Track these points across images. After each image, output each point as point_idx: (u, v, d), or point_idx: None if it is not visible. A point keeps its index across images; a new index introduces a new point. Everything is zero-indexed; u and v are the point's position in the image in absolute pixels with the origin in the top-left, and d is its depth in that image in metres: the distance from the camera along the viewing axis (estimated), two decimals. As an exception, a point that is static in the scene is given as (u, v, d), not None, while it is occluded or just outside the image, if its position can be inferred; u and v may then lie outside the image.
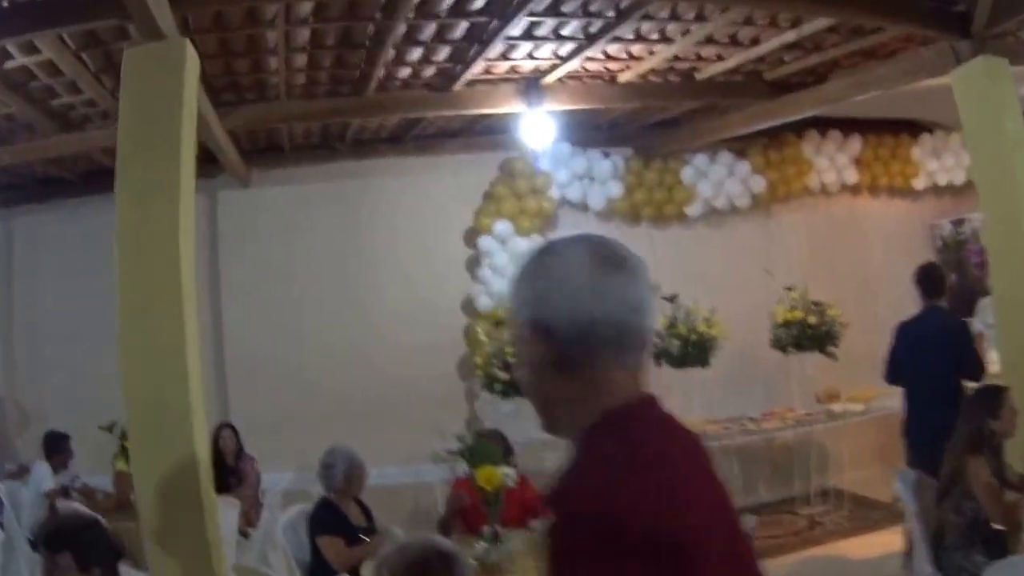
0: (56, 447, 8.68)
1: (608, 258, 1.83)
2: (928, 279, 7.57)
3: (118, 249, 5.02)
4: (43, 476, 8.45)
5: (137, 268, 5.02)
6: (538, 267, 1.84)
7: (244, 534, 8.33)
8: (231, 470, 8.94)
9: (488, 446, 5.56)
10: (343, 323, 10.12)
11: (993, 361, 7.82)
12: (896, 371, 7.61)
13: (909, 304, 7.54)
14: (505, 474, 5.50)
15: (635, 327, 1.79)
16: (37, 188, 10.49)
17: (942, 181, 11.96)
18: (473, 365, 9.89)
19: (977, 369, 7.23)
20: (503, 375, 9.16)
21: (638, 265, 1.85)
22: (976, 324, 10.06)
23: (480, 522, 5.78)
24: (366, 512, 6.50)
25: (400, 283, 10.21)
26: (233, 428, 9.19)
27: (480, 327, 10.02)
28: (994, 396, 5.83)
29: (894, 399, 7.87)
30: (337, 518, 6.24)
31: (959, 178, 11.91)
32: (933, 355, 7.28)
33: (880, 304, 10.29)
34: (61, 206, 10.29)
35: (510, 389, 9.14)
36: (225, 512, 7.52)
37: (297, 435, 6.37)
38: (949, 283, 7.87)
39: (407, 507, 8.64)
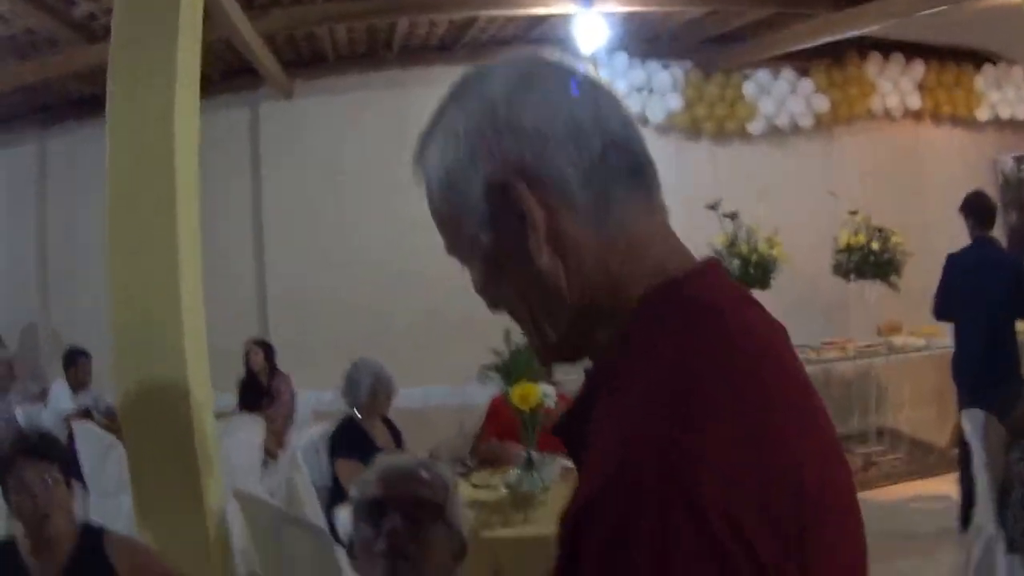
0: (72, 362, 8.24)
1: (570, 72, 1.24)
2: (976, 208, 7.04)
3: (110, 145, 4.35)
4: (61, 397, 8.04)
5: (127, 163, 4.34)
6: (494, 101, 1.21)
7: (274, 455, 7.87)
8: (263, 389, 8.48)
9: (526, 360, 4.95)
10: (389, 240, 9.59)
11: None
12: (945, 306, 7.14)
13: (967, 238, 7.05)
14: (544, 393, 4.89)
15: (645, 153, 1.24)
16: (71, 108, 9.98)
17: (1005, 114, 11.29)
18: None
19: None
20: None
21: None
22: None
23: (518, 441, 5.22)
24: (395, 433, 5.95)
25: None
26: (265, 345, 8.73)
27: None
28: None
29: (951, 339, 7.38)
30: (359, 438, 5.69)
31: (1022, 112, 11.31)
32: (982, 291, 6.76)
33: (941, 238, 9.44)
34: (96, 125, 9.77)
35: None
36: (247, 432, 7.12)
37: (339, 355, 5.94)
38: (1010, 222, 7.31)
39: (451, 431, 8.16)
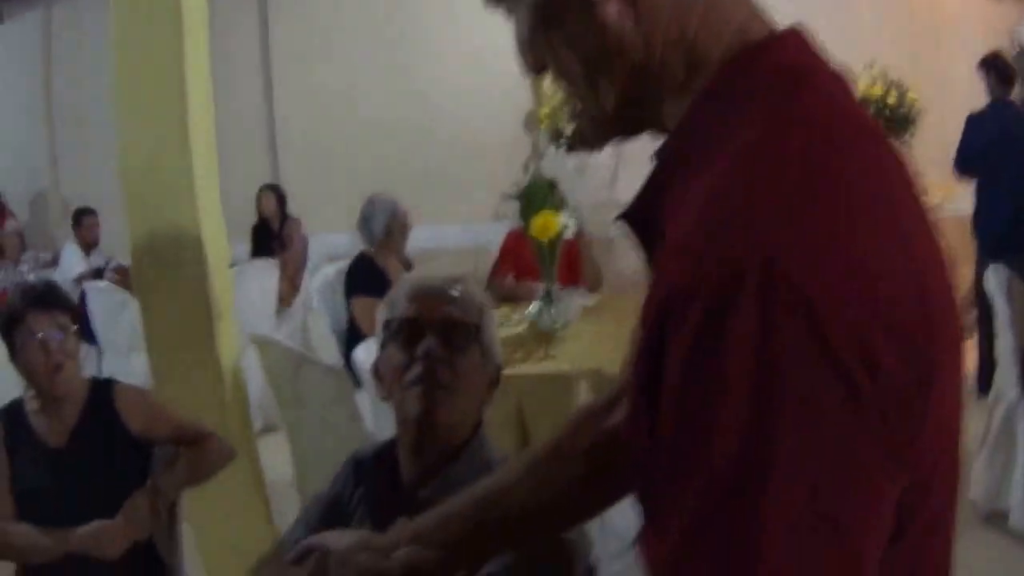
0: (79, 222, 8.03)
1: None
2: (998, 68, 6.81)
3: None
4: (72, 259, 7.89)
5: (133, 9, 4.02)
6: None
7: (288, 301, 7.69)
8: (275, 235, 8.27)
9: (544, 189, 4.68)
10: (402, 80, 9.31)
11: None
12: (966, 164, 6.87)
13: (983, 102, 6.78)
14: (564, 224, 4.63)
15: None
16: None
17: None
18: (538, 118, 9.05)
19: None
20: (569, 127, 8.35)
21: None
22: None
23: (535, 278, 4.99)
24: (409, 269, 5.73)
25: (464, 34, 9.21)
26: (277, 190, 8.50)
27: (547, 77, 9.05)
28: None
29: (966, 201, 7.06)
30: (375, 276, 5.43)
31: None
32: (1007, 154, 6.53)
33: (955, 99, 8.87)
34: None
35: (576, 142, 8.27)
36: (260, 278, 6.98)
37: (352, 198, 5.73)
38: (1021, 95, 6.99)
39: (466, 270, 7.99)
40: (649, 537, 0.86)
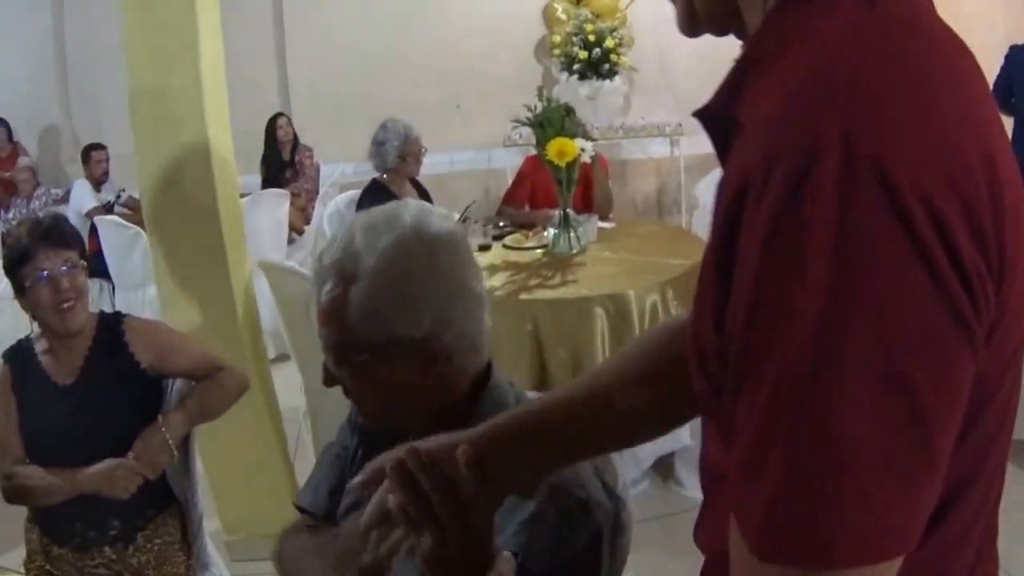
0: (88, 157, 7.86)
1: None
2: None
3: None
4: (82, 195, 7.68)
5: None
6: None
7: (300, 230, 7.58)
8: (286, 164, 8.13)
9: (560, 113, 4.53)
10: (413, 12, 9.05)
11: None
12: (1006, 98, 6.47)
13: (1002, 46, 6.49)
14: (581, 148, 4.49)
15: None
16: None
17: None
18: (550, 46, 8.87)
19: None
20: (583, 53, 8.22)
21: None
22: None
23: (551, 205, 4.85)
24: (424, 196, 5.59)
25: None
26: (287, 118, 8.33)
27: (560, 3, 8.93)
28: None
29: None
30: (388, 201, 5.31)
31: None
32: None
33: (976, 37, 9.05)
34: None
35: (589, 69, 8.25)
36: (271, 206, 6.86)
37: (363, 125, 5.58)
38: None
39: (477, 195, 7.86)
40: (716, 450, 0.88)
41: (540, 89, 4.48)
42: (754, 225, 0.79)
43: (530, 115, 4.60)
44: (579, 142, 4.46)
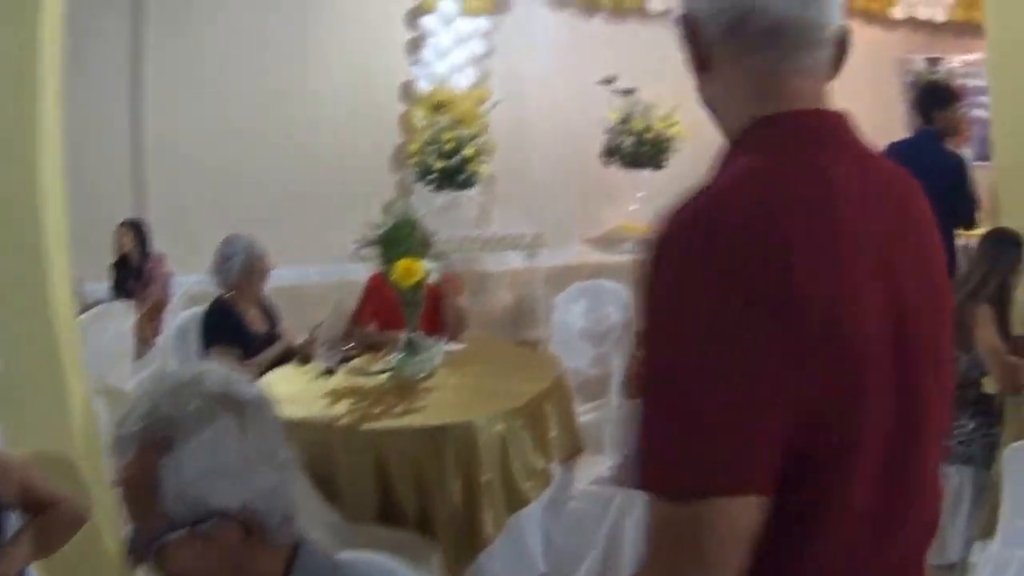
0: None
1: None
2: (929, 95, 6.38)
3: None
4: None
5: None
6: None
7: (148, 342, 7.22)
8: (135, 271, 7.79)
9: (407, 232, 4.35)
10: (275, 110, 8.84)
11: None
12: None
13: (871, 134, 6.40)
14: (427, 268, 4.31)
15: (801, 18, 1.39)
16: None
17: (922, 15, 10.89)
18: (407, 155, 8.71)
19: (972, 213, 6.14)
20: (438, 164, 8.03)
21: None
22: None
23: (398, 325, 4.65)
24: (269, 315, 5.36)
25: (337, 69, 8.96)
26: (135, 226, 7.99)
27: (418, 112, 8.78)
28: (1016, 244, 4.84)
29: None
30: (232, 323, 5.08)
31: (940, 15, 10.87)
32: (936, 187, 6.06)
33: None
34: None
35: (444, 180, 8.07)
36: (115, 320, 6.56)
37: (219, 234, 5.39)
38: (916, 124, 6.68)
39: (330, 310, 7.62)
40: None
41: (386, 205, 4.29)
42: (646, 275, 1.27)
43: (376, 231, 4.42)
44: (426, 262, 4.29)
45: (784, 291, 1.18)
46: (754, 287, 1.17)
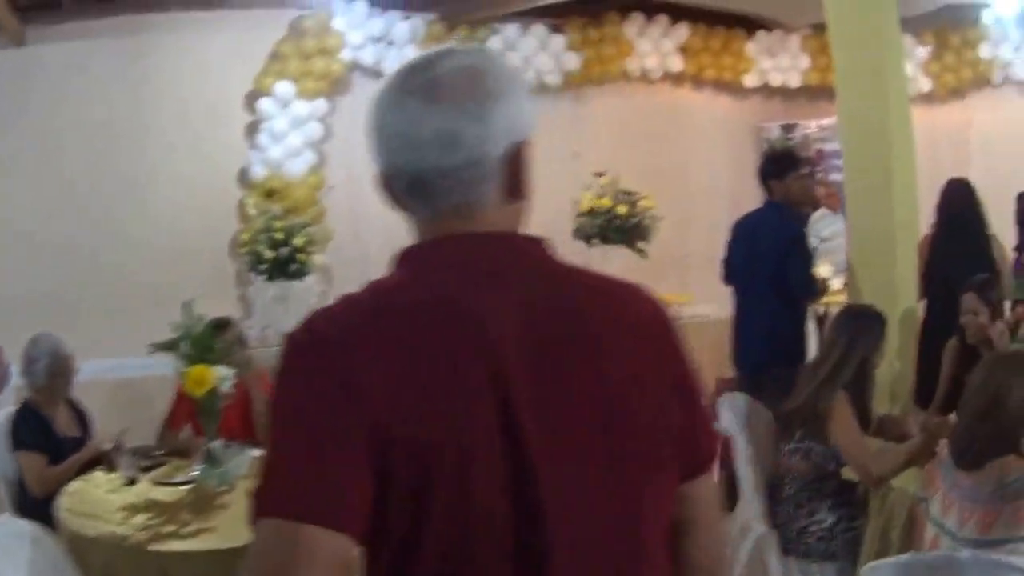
0: None
1: (406, 83, 1.53)
2: (766, 165, 6.22)
3: None
4: None
5: None
6: None
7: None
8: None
9: (206, 338, 4.15)
10: (114, 196, 8.54)
11: (827, 277, 6.65)
12: (730, 271, 6.29)
13: (727, 206, 6.29)
14: (222, 376, 4.10)
15: (438, 168, 1.50)
16: None
17: (775, 82, 10.94)
18: (239, 244, 8.45)
19: (807, 286, 5.95)
20: (268, 253, 7.76)
21: (444, 83, 1.50)
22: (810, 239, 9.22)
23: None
24: (80, 417, 5.13)
25: (179, 153, 8.69)
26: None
27: (251, 198, 8.53)
28: (877, 321, 4.58)
29: (708, 306, 6.67)
30: (39, 428, 4.89)
31: (794, 80, 10.94)
32: (764, 260, 5.96)
33: (696, 205, 9.26)
34: None
35: (275, 270, 7.80)
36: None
37: (53, 321, 5.16)
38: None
39: (145, 409, 7.32)
40: None
41: (185, 305, 4.10)
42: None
43: (175, 335, 4.22)
44: (220, 370, 4.08)
45: (347, 386, 1.41)
46: (326, 378, 1.42)
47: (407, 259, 1.53)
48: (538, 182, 1.60)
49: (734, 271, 6.21)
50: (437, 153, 1.47)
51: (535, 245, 1.62)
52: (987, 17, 10.40)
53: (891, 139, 5.54)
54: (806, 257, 5.93)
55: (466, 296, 1.47)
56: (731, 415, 4.79)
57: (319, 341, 1.44)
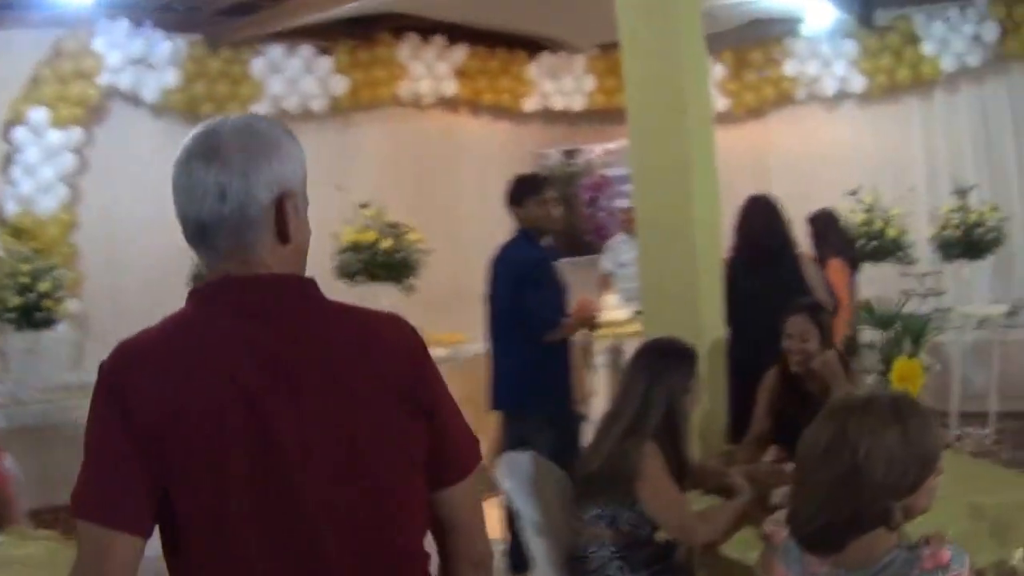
0: None
1: (194, 146, 1.78)
2: (510, 192, 5.84)
3: None
4: None
5: None
6: None
7: None
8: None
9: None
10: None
11: (615, 306, 6.64)
12: (486, 305, 5.87)
13: (503, 238, 5.95)
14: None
15: (200, 219, 1.77)
16: None
17: (558, 105, 10.94)
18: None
19: (540, 318, 5.57)
20: (16, 300, 7.13)
21: (220, 143, 1.76)
22: (605, 264, 9.13)
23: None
24: None
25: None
26: None
27: (1, 239, 7.80)
28: (686, 357, 3.94)
29: (483, 343, 6.28)
30: None
31: (578, 103, 10.92)
32: (502, 291, 5.66)
33: (469, 237, 9.02)
34: None
35: (24, 319, 7.18)
36: None
37: None
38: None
39: None
40: None
41: None
42: None
43: None
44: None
45: (124, 412, 1.68)
46: (106, 405, 1.70)
47: (193, 297, 1.78)
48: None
49: (487, 304, 5.84)
50: (211, 203, 1.73)
51: (304, 285, 1.82)
52: (800, 32, 10.41)
53: (691, 160, 5.09)
54: (545, 285, 5.62)
55: (233, 329, 1.73)
56: (512, 481, 4.08)
57: (106, 371, 1.72)
